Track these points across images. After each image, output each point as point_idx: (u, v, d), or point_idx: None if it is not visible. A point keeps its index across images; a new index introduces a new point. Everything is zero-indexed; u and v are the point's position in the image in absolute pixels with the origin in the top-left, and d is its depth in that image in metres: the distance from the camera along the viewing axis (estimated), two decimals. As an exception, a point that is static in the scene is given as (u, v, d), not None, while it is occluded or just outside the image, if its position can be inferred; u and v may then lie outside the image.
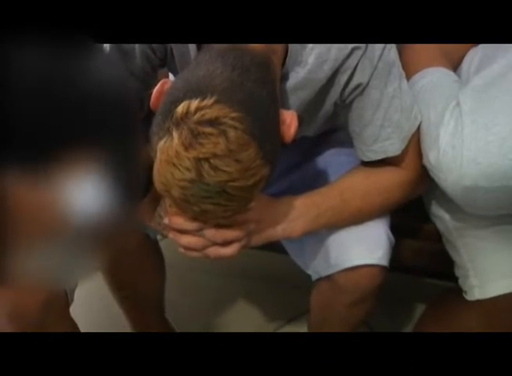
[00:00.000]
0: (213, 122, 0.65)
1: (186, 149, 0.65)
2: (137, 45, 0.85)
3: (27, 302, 0.88)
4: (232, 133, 0.65)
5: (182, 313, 1.41)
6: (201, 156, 0.65)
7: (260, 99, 0.68)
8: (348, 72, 0.82)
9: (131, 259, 1.09)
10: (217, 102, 0.65)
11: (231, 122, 0.65)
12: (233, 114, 0.65)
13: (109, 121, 0.39)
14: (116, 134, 0.39)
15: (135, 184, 0.43)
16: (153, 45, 0.85)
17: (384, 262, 0.93)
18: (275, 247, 0.97)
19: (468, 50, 1.03)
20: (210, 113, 0.65)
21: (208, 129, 0.65)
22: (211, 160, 0.65)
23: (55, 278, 0.46)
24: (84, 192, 0.37)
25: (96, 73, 0.39)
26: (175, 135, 0.66)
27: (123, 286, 1.18)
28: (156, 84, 0.73)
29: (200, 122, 0.65)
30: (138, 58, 0.86)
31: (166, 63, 0.90)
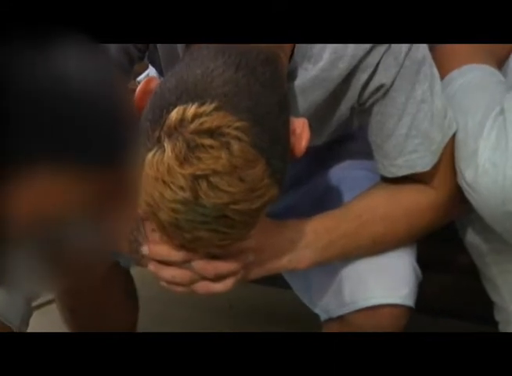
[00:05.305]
0: (213, 132, 0.63)
1: (181, 164, 0.63)
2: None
3: None
4: (236, 146, 0.63)
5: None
6: (199, 173, 0.63)
7: (269, 105, 0.66)
8: (369, 71, 0.78)
9: (96, 292, 1.02)
10: (218, 108, 0.63)
11: (235, 133, 0.63)
12: (238, 123, 0.63)
13: (85, 130, 0.38)
14: (94, 145, 0.38)
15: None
16: None
17: (410, 301, 0.87)
18: (272, 280, 0.91)
19: None
20: (210, 122, 0.63)
21: (208, 141, 0.63)
22: (211, 178, 0.63)
23: (13, 282, 0.47)
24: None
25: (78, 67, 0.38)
26: (168, 146, 0.63)
27: (83, 324, 1.09)
28: (131, 79, 0.70)
29: (197, 132, 0.63)
30: (113, 48, 0.81)
31: (145, 56, 0.86)
